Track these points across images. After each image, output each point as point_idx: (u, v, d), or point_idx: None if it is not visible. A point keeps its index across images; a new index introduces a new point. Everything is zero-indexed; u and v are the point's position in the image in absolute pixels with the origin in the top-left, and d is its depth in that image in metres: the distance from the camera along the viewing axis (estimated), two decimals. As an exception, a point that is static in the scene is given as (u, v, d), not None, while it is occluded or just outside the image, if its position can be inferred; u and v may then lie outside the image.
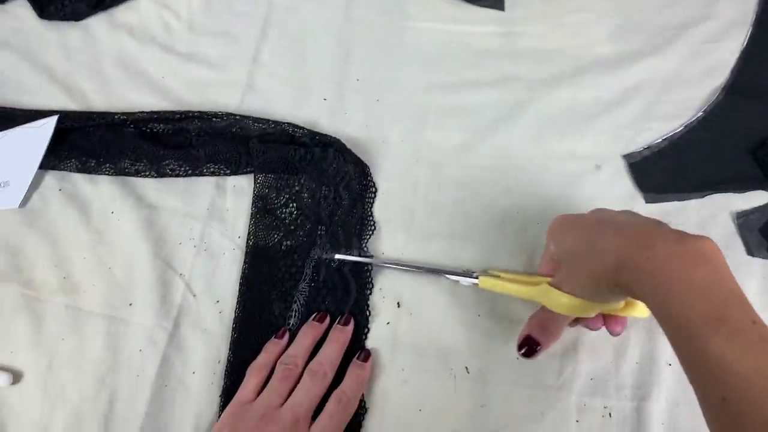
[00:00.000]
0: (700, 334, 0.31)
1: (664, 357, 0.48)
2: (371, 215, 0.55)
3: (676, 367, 0.47)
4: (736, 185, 0.54)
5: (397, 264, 0.52)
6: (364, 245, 0.53)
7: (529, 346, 0.44)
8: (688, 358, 0.33)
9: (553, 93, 0.60)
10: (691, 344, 0.32)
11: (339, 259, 0.52)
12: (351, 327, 0.50)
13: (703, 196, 0.54)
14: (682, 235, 0.35)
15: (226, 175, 0.57)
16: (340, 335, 0.49)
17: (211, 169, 0.57)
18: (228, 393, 0.48)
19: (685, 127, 0.57)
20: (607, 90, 0.60)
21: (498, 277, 0.48)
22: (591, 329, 0.46)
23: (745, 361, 0.30)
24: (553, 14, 0.65)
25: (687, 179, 0.55)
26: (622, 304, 0.44)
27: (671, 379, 0.47)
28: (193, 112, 0.59)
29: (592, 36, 0.63)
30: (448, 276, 0.50)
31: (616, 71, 0.61)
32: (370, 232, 0.54)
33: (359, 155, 0.56)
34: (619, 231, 0.38)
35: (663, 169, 0.55)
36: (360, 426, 0.47)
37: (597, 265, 0.38)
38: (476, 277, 0.48)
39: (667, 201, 0.54)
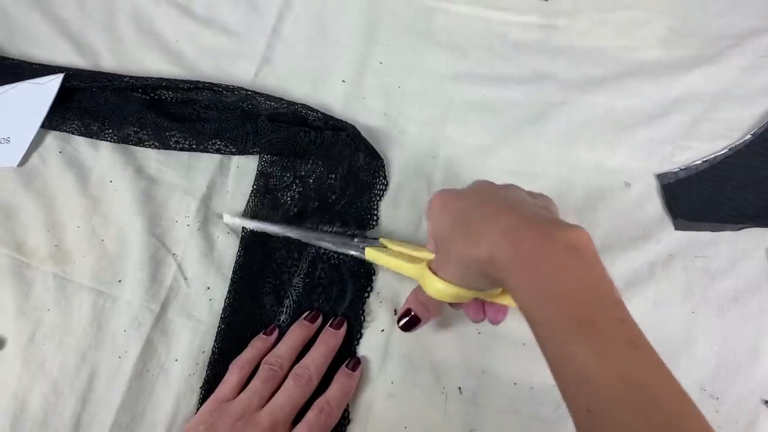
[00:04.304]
0: (565, 339, 0.30)
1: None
2: (377, 209, 0.52)
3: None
4: (777, 220, 0.50)
5: (270, 226, 0.51)
6: (359, 240, 0.50)
7: (410, 320, 0.43)
8: (554, 365, 0.31)
9: (589, 97, 0.56)
10: (557, 350, 0.31)
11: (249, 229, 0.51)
12: (343, 331, 0.47)
13: (739, 229, 0.50)
14: (550, 227, 0.33)
15: (231, 153, 0.54)
16: (331, 339, 0.47)
17: (216, 146, 0.54)
18: (209, 385, 0.46)
19: (730, 149, 0.52)
20: (647, 99, 0.55)
21: (384, 247, 0.47)
22: (473, 321, 0.43)
23: (610, 369, 0.28)
24: (601, 8, 0.60)
25: (723, 208, 0.50)
26: (498, 290, 0.41)
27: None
28: (203, 82, 0.56)
29: (640, 37, 0.58)
30: (331, 244, 0.49)
31: (661, 79, 0.56)
32: (372, 226, 0.51)
33: (374, 144, 0.53)
34: (492, 219, 0.35)
35: (699, 195, 0.51)
36: (340, 437, 0.45)
37: (469, 254, 0.36)
38: (363, 249, 0.47)
39: (699, 230, 0.50)
